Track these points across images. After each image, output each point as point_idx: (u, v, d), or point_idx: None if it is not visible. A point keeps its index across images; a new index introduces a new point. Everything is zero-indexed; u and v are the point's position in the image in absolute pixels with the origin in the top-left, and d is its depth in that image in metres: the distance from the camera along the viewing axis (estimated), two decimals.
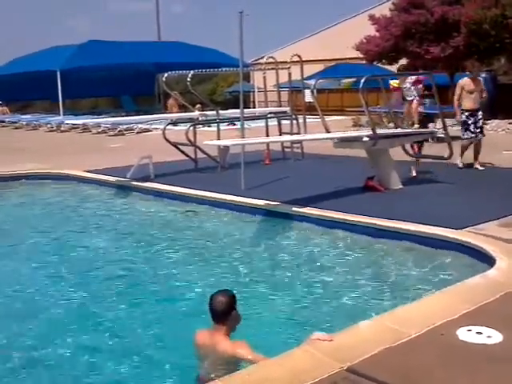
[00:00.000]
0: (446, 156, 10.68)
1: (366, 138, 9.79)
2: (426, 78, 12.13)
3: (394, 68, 24.90)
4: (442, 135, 10.69)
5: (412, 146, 11.17)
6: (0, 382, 4.56)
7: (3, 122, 30.11)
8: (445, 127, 10.70)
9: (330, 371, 3.78)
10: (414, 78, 11.90)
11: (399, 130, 11.27)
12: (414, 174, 11.05)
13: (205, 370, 4.32)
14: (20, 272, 7.19)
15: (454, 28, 21.18)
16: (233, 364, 4.20)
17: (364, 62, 25.46)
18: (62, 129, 25.91)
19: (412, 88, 11.66)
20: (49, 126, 26.99)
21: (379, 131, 10.38)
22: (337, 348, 4.11)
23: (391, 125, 13.90)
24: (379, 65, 25.29)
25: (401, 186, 10.15)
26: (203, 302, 5.62)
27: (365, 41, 24.21)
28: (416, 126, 11.46)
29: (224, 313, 4.37)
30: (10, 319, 5.72)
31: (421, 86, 12.01)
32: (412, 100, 11.71)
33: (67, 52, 30.22)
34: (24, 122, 28.67)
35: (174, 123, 14.64)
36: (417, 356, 4.01)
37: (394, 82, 12.39)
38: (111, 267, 7.33)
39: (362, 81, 9.85)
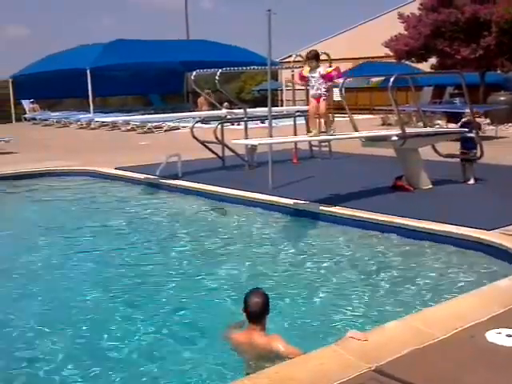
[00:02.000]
0: (476, 156, 10.56)
1: (394, 137, 9.72)
2: (339, 75, 9.31)
3: (423, 66, 24.69)
4: (472, 135, 10.55)
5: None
6: None
7: (34, 119, 30.53)
8: (478, 127, 10.56)
9: (357, 372, 3.77)
10: (330, 69, 9.29)
11: (429, 129, 11.15)
12: (472, 181, 10.38)
13: (248, 367, 4.38)
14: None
15: (484, 27, 20.92)
16: (271, 359, 4.24)
17: (393, 60, 25.29)
18: (92, 126, 26.20)
19: (321, 81, 9.00)
20: (78, 123, 27.30)
21: (408, 130, 10.29)
22: (364, 348, 4.10)
23: (420, 124, 13.80)
24: (408, 63, 25.09)
25: (430, 186, 10.06)
26: (231, 298, 5.70)
27: (394, 38, 24.04)
28: (314, 132, 9.34)
29: (261, 313, 4.51)
30: None
31: (331, 83, 9.34)
32: (319, 96, 9.12)
33: (96, 50, 30.46)
34: (54, 120, 29.04)
35: (203, 121, 14.68)
36: (445, 358, 3.98)
37: (305, 71, 9.23)
38: (145, 261, 7.46)
39: (391, 79, 9.77)
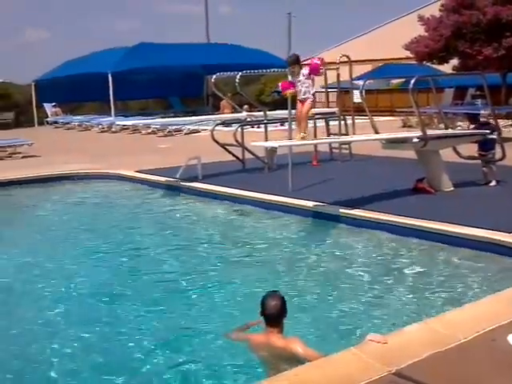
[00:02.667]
0: (498, 158, 10.46)
1: (415, 139, 9.67)
2: (319, 64, 9.08)
3: (445, 68, 24.51)
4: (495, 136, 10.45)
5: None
6: None
7: (56, 122, 30.83)
8: (498, 128, 10.47)
9: (377, 375, 3.74)
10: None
11: (450, 131, 11.06)
12: (494, 183, 10.28)
13: (266, 370, 4.39)
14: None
15: (507, 28, 20.74)
16: (290, 361, 4.24)
17: (414, 62, 25.16)
18: (113, 129, 26.40)
19: (308, 83, 8.90)
20: (100, 126, 27.53)
21: (429, 132, 10.22)
22: (384, 351, 4.08)
23: (442, 126, 13.71)
24: (429, 65, 24.93)
25: (452, 188, 9.98)
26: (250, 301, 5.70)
27: (415, 40, 23.91)
28: (302, 134, 9.06)
29: (279, 315, 4.52)
30: None
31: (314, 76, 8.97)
32: (305, 99, 9.00)
33: (118, 54, 30.66)
34: (76, 123, 29.31)
35: (223, 124, 14.75)
36: (466, 361, 3.94)
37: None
38: (165, 265, 7.48)
39: (412, 81, 9.72)
